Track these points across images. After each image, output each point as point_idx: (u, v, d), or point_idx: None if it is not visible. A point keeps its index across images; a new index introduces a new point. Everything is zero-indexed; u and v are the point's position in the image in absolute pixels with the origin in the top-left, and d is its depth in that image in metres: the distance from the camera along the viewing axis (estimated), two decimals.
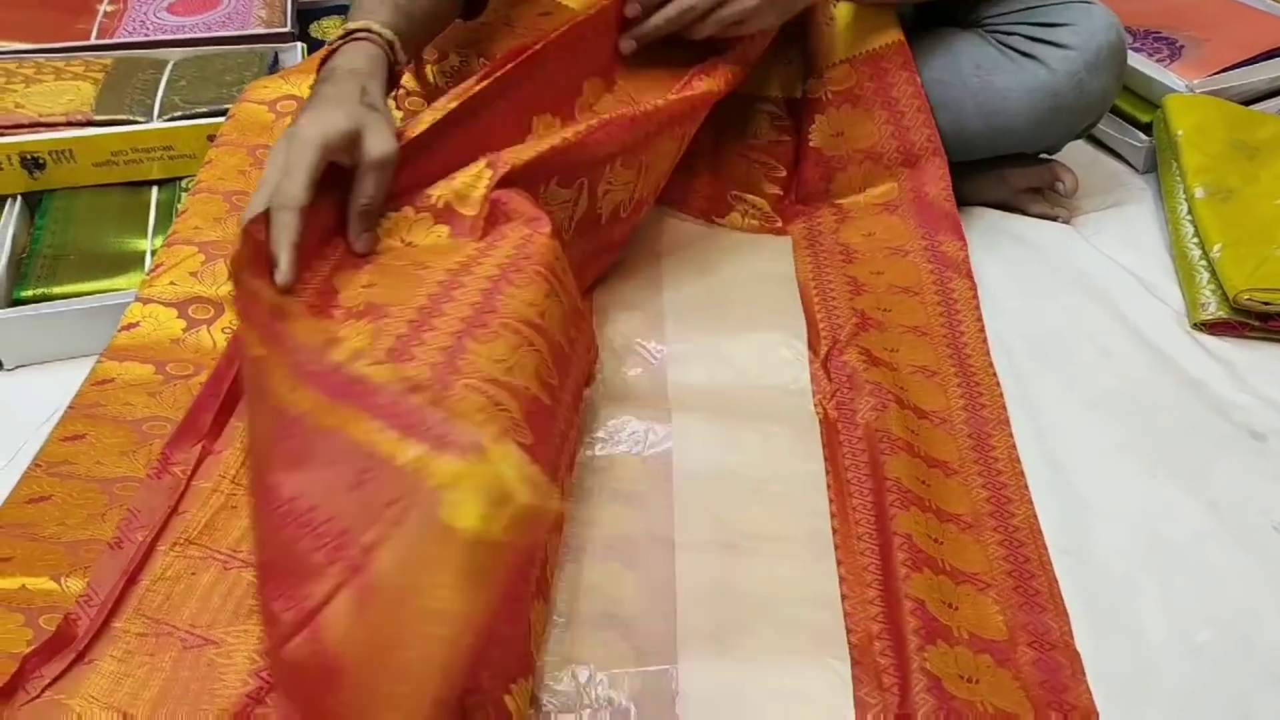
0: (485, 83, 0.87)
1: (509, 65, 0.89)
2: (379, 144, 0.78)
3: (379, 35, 0.86)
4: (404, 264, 0.79)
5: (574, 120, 0.96)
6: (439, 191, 0.83)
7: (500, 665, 0.64)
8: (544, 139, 0.88)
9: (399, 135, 0.82)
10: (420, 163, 0.84)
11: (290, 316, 0.65)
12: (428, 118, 0.84)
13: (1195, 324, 1.04)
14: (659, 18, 0.99)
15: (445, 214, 0.82)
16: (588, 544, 0.78)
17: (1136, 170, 1.33)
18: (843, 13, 1.14)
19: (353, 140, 0.77)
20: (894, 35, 1.13)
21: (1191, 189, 1.14)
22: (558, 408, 0.74)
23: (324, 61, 0.86)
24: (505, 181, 0.82)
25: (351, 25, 0.87)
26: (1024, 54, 1.12)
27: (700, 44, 1.02)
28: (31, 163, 1.06)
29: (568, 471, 0.80)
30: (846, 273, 1.08)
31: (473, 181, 0.82)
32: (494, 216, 0.81)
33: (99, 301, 0.96)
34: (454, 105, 0.85)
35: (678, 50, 1.04)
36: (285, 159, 0.75)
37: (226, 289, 0.93)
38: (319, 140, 0.75)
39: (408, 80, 1.09)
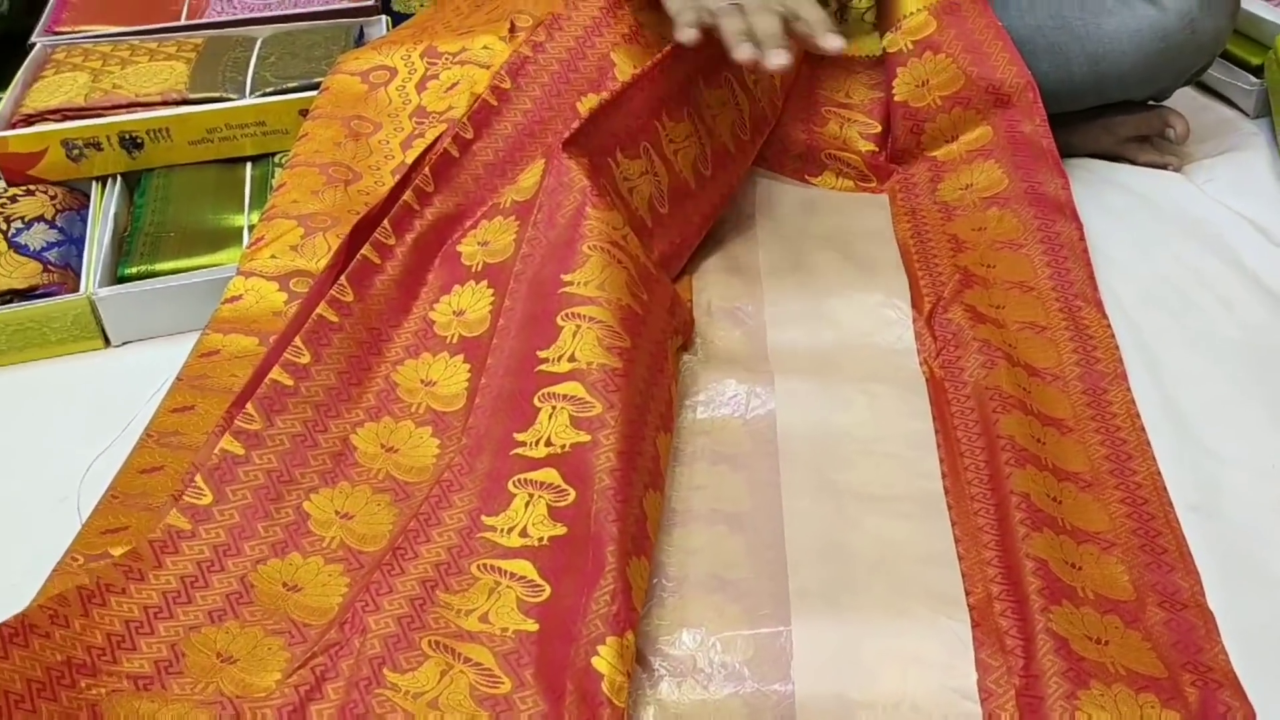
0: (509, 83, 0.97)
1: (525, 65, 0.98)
2: None
3: None
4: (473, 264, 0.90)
5: None
6: (506, 194, 0.92)
7: (584, 635, 0.64)
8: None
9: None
10: (485, 172, 0.94)
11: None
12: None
13: None
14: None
15: (512, 210, 0.91)
16: (694, 507, 0.77)
17: (1247, 115, 1.27)
18: None
19: None
20: None
21: None
22: (634, 368, 0.77)
23: None
24: (567, 147, 0.86)
25: None
26: None
27: None
28: (130, 142, 1.07)
29: (663, 431, 0.80)
30: (946, 230, 1.05)
31: (530, 174, 0.90)
32: (548, 190, 0.85)
33: (200, 277, 0.98)
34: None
35: None
36: None
37: (326, 263, 0.94)
38: None
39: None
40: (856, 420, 0.84)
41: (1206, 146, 1.19)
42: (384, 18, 1.31)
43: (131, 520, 0.75)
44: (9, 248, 0.97)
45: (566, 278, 0.80)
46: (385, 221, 0.89)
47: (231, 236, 1.03)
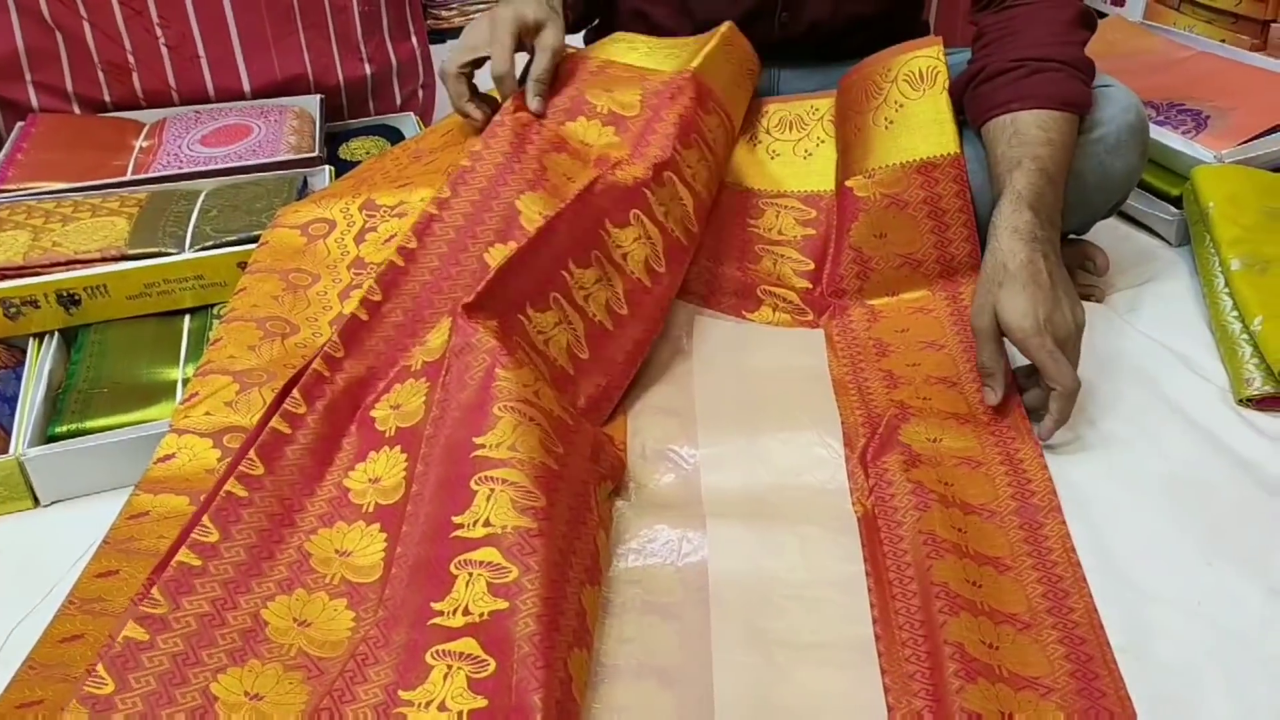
0: (415, 242, 0.99)
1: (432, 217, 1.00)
2: (554, 36, 1.10)
3: None
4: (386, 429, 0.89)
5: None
6: (416, 356, 0.93)
7: None
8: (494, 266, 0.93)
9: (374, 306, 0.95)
10: (396, 333, 0.95)
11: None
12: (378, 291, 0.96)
13: (1241, 400, 1.01)
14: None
15: (422, 371, 0.91)
16: (622, 661, 0.76)
17: (1169, 243, 1.31)
18: (903, 117, 1.14)
19: (537, 28, 1.09)
20: (951, 147, 1.11)
21: (1227, 261, 1.12)
22: (552, 525, 0.77)
23: None
24: (471, 310, 0.87)
25: None
26: None
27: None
28: (68, 299, 1.08)
29: (589, 584, 0.79)
30: (881, 366, 1.06)
31: (439, 333, 0.91)
32: (455, 350, 0.86)
33: (132, 434, 0.97)
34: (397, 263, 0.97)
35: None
36: (489, 33, 1.07)
37: (260, 417, 0.94)
38: (515, 21, 1.07)
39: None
40: (788, 564, 0.84)
41: (1129, 276, 1.22)
42: (328, 168, 1.33)
43: (48, 693, 0.73)
44: None
45: (478, 440, 0.80)
46: (295, 390, 0.89)
47: (165, 390, 1.03)
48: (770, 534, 0.87)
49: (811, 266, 1.17)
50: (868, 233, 1.13)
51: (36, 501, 0.96)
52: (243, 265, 1.10)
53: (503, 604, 0.71)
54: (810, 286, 1.17)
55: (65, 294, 1.08)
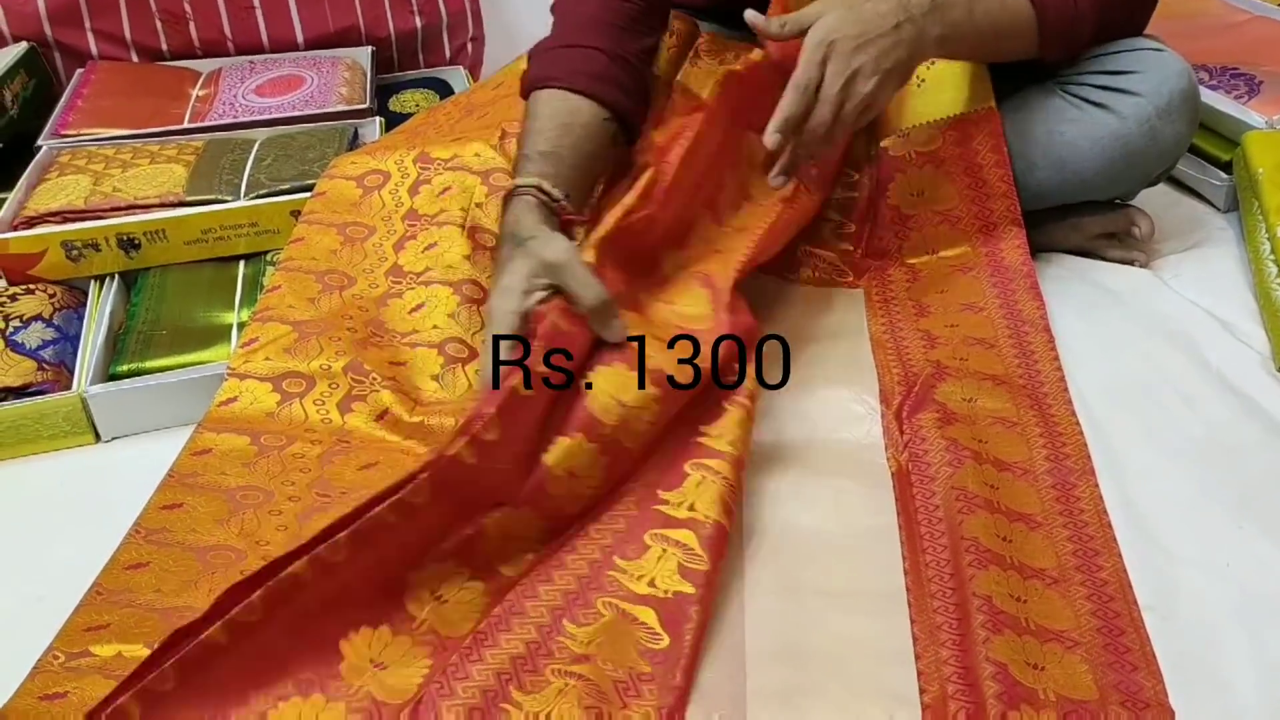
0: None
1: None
2: (554, 252, 0.83)
3: (525, 186, 0.92)
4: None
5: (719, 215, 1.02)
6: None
7: None
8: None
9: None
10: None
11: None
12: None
13: None
14: (801, 148, 0.97)
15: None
16: None
17: (1218, 210, 1.30)
18: (935, 75, 1.14)
19: (551, 273, 0.83)
20: (986, 102, 1.12)
21: (1274, 228, 1.12)
22: (732, 523, 0.82)
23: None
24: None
25: (512, 183, 0.94)
26: (1094, 104, 1.11)
27: None
28: (128, 243, 1.11)
29: None
30: (919, 326, 1.07)
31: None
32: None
33: (189, 374, 1.00)
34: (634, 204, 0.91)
35: None
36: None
37: (319, 363, 0.96)
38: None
39: None
40: (821, 516, 0.87)
41: (1175, 242, 1.22)
42: (378, 119, 1.35)
43: (113, 617, 0.77)
44: (6, 346, 1.01)
45: (704, 429, 0.85)
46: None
47: (221, 334, 1.06)
48: (805, 487, 0.89)
49: (853, 228, 1.18)
50: (905, 191, 1.14)
51: (98, 437, 1.00)
52: (296, 214, 1.12)
53: (689, 588, 0.76)
54: (851, 248, 1.18)
55: (125, 238, 1.11)
